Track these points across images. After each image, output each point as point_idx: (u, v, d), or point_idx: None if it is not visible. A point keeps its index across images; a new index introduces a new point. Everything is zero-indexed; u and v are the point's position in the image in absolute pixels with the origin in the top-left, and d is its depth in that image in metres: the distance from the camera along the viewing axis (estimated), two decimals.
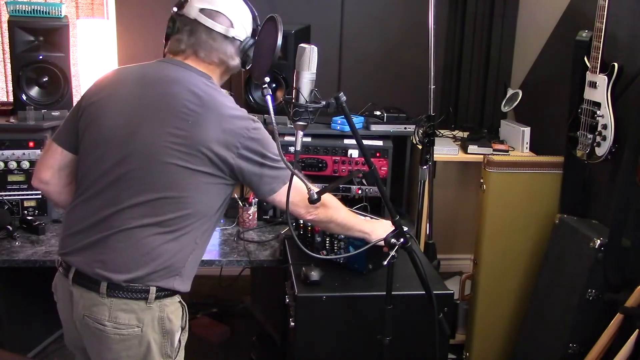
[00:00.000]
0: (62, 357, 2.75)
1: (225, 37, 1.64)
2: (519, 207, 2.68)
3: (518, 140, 3.02)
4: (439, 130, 3.16)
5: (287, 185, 1.57)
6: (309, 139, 2.75)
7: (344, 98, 1.50)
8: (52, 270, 1.70)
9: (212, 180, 1.58)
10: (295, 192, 1.57)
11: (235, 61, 1.68)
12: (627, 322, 2.00)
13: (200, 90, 1.58)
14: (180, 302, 1.65)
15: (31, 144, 2.61)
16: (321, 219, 1.74)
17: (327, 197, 1.70)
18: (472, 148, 2.96)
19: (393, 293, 1.71)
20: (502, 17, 3.34)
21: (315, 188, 1.52)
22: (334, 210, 1.76)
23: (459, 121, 3.40)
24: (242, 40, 1.67)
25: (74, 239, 1.59)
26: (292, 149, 1.98)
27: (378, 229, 1.83)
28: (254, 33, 1.70)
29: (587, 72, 2.33)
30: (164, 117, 1.55)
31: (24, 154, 2.61)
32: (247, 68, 1.73)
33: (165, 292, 1.58)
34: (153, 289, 1.55)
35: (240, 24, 1.66)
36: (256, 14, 1.72)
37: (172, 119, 1.54)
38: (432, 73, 2.65)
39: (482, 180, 2.72)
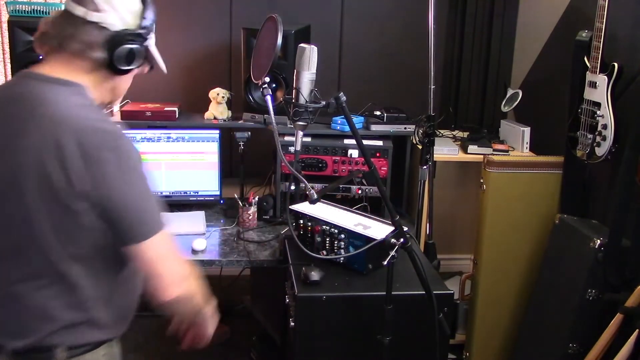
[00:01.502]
0: None
1: (85, 21, 1.34)
2: (519, 207, 2.68)
3: (518, 140, 3.02)
4: (439, 130, 3.16)
5: (157, 236, 1.31)
6: (309, 139, 2.75)
7: (344, 98, 1.50)
8: None
9: (76, 218, 1.28)
10: (164, 259, 1.32)
11: (97, 53, 1.34)
12: (627, 322, 2.00)
13: (50, 109, 1.29)
14: (105, 355, 1.42)
15: None
16: (184, 300, 1.37)
17: (195, 276, 1.40)
18: (472, 148, 2.96)
19: (393, 293, 1.71)
20: (502, 17, 3.34)
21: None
22: (195, 292, 1.41)
23: (459, 121, 3.39)
24: (113, 29, 1.36)
25: None
26: (292, 149, 1.98)
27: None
28: (146, 28, 1.41)
29: (587, 72, 2.32)
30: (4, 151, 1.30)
31: None
32: (124, 69, 1.39)
33: (83, 348, 1.37)
34: (60, 349, 1.34)
35: (113, 9, 1.36)
36: (149, 7, 1.43)
37: (14, 150, 1.29)
38: (432, 73, 2.65)
39: (482, 180, 2.72)
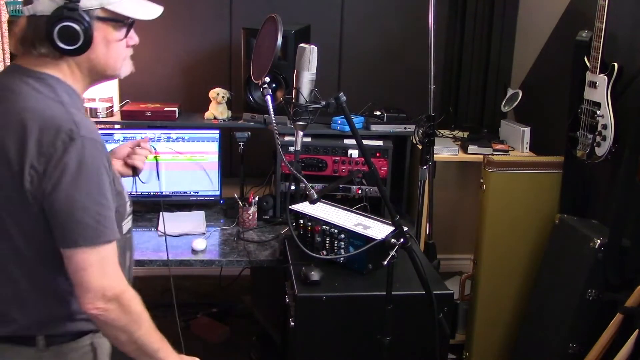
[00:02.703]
0: None
1: (29, 18, 1.28)
2: (519, 207, 2.68)
3: (518, 140, 3.02)
4: (439, 130, 3.16)
5: (94, 249, 1.25)
6: (309, 139, 2.75)
7: (344, 98, 1.50)
8: None
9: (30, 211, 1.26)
10: (94, 269, 1.25)
11: (43, 49, 1.28)
12: (627, 322, 2.00)
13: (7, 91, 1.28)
14: (91, 344, 1.41)
15: None
16: (110, 320, 1.29)
17: (134, 302, 1.33)
18: (472, 148, 2.96)
19: (393, 293, 1.71)
20: (502, 17, 3.34)
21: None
22: (133, 321, 1.32)
23: (459, 121, 3.39)
24: (46, 14, 1.26)
25: None
26: (292, 149, 1.98)
27: None
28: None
29: (587, 72, 2.33)
30: None
31: None
32: (71, 49, 1.28)
33: (63, 338, 1.37)
34: (40, 338, 1.35)
35: None
36: None
37: None
38: (432, 73, 2.65)
39: (482, 180, 2.72)
